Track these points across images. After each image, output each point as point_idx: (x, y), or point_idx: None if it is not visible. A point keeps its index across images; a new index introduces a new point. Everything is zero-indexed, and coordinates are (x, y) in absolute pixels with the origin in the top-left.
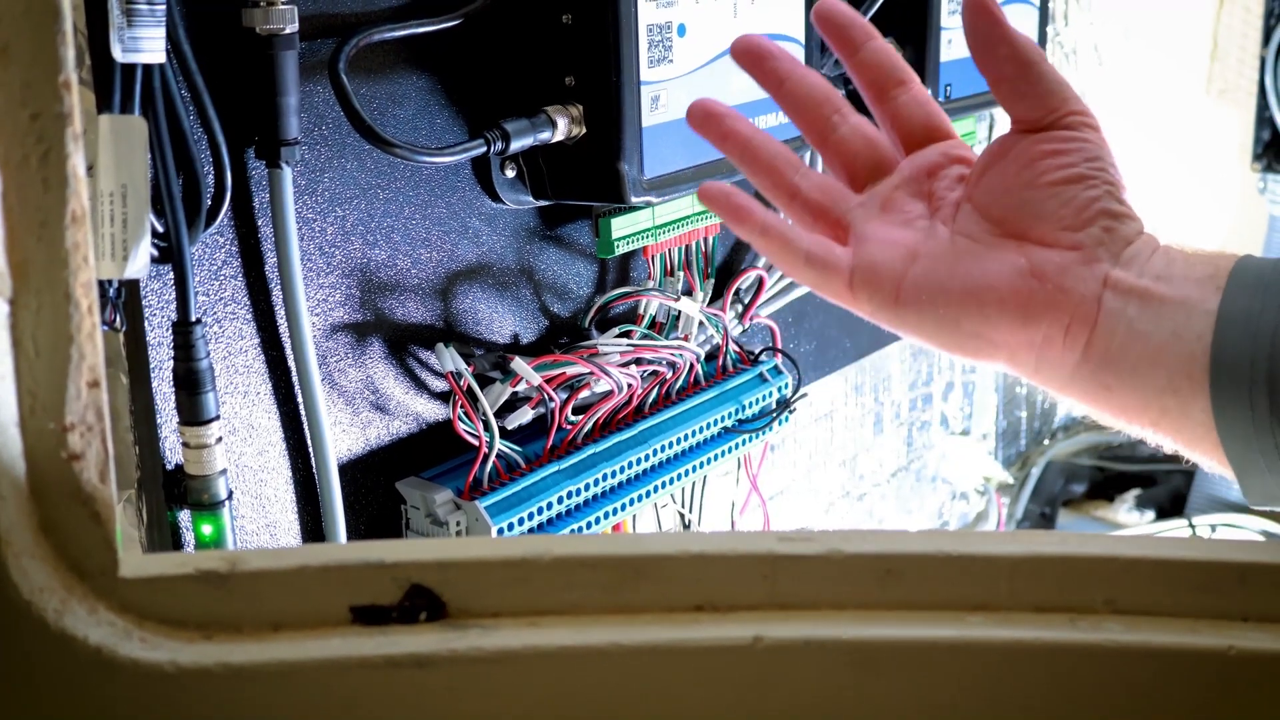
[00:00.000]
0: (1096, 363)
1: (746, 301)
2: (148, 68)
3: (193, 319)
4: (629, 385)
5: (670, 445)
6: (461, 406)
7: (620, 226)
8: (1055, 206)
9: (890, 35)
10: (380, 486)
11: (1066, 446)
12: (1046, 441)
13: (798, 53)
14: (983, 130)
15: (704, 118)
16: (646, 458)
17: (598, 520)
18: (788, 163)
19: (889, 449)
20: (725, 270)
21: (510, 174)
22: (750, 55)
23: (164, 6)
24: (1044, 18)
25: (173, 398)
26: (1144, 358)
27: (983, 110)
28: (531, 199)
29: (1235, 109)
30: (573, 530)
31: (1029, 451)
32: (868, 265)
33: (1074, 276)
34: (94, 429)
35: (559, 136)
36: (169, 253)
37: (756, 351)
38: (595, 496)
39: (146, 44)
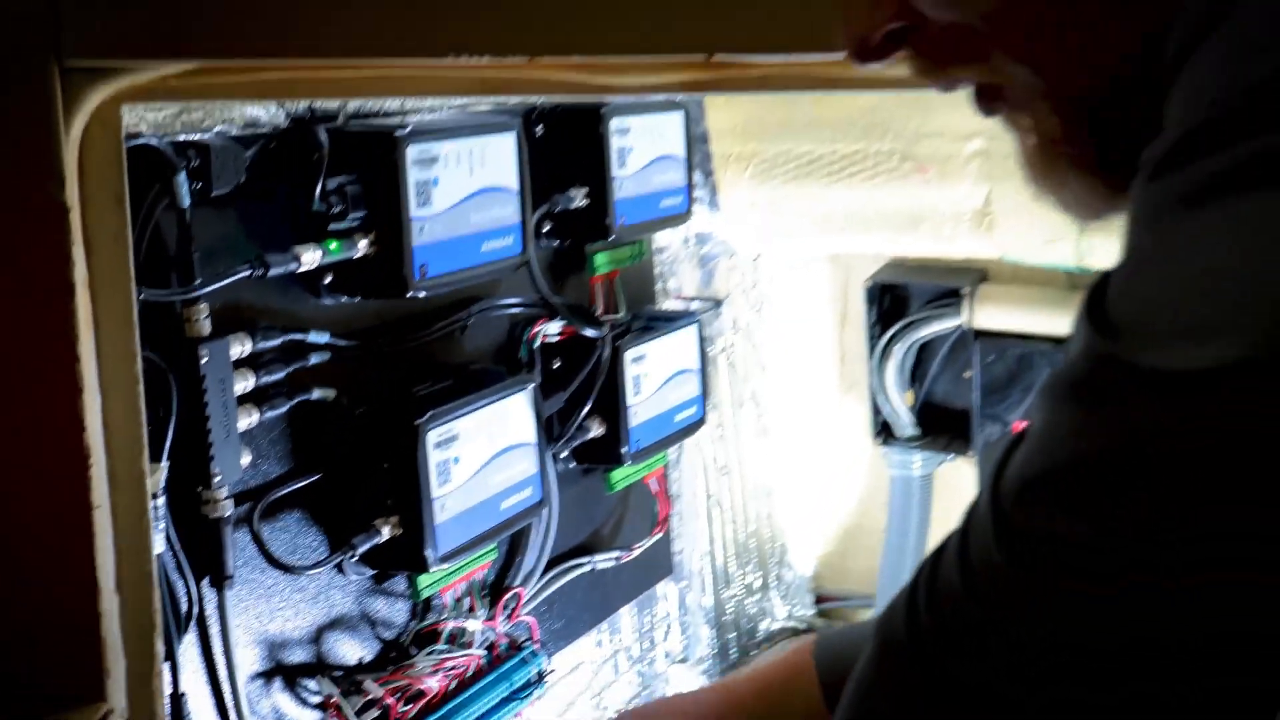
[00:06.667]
0: None
1: (511, 608)
2: None
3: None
4: (439, 685)
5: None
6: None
7: (426, 580)
8: None
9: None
10: None
11: (769, 656)
12: (753, 653)
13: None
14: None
15: None
16: None
17: None
18: None
19: (626, 683)
20: (497, 587)
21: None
22: None
23: (163, 508)
24: (702, 346)
25: None
26: None
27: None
28: None
29: (860, 400)
30: None
31: (738, 662)
32: None
33: None
34: None
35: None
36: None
37: (522, 640)
38: None
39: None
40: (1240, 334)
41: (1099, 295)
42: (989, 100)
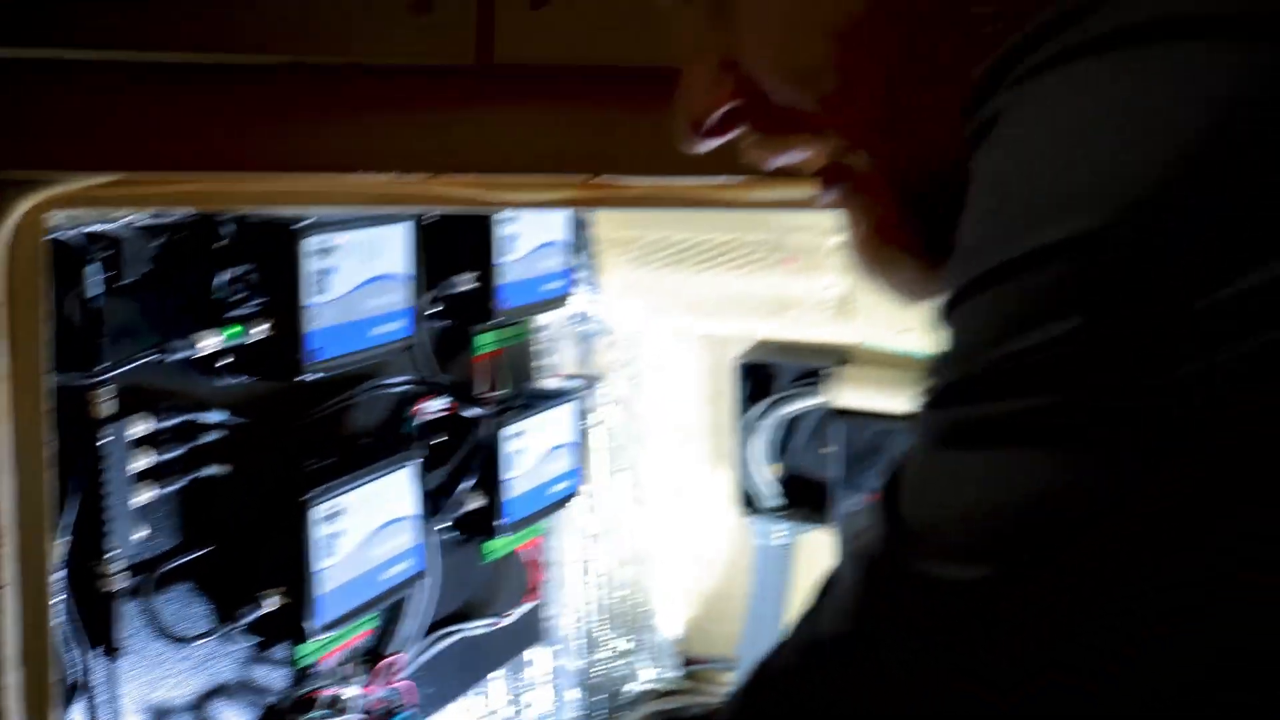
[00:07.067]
0: None
1: (389, 674)
2: None
3: None
4: None
5: None
6: None
7: (307, 648)
8: None
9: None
10: None
11: (632, 715)
12: (619, 715)
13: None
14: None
15: None
16: None
17: None
18: None
19: None
20: (376, 653)
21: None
22: None
23: (60, 581)
24: (579, 422)
25: None
26: None
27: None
28: None
29: (729, 471)
30: None
31: None
32: None
33: None
34: None
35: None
36: None
37: (397, 705)
38: None
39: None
40: (991, 560)
41: (895, 486)
42: (830, 181)
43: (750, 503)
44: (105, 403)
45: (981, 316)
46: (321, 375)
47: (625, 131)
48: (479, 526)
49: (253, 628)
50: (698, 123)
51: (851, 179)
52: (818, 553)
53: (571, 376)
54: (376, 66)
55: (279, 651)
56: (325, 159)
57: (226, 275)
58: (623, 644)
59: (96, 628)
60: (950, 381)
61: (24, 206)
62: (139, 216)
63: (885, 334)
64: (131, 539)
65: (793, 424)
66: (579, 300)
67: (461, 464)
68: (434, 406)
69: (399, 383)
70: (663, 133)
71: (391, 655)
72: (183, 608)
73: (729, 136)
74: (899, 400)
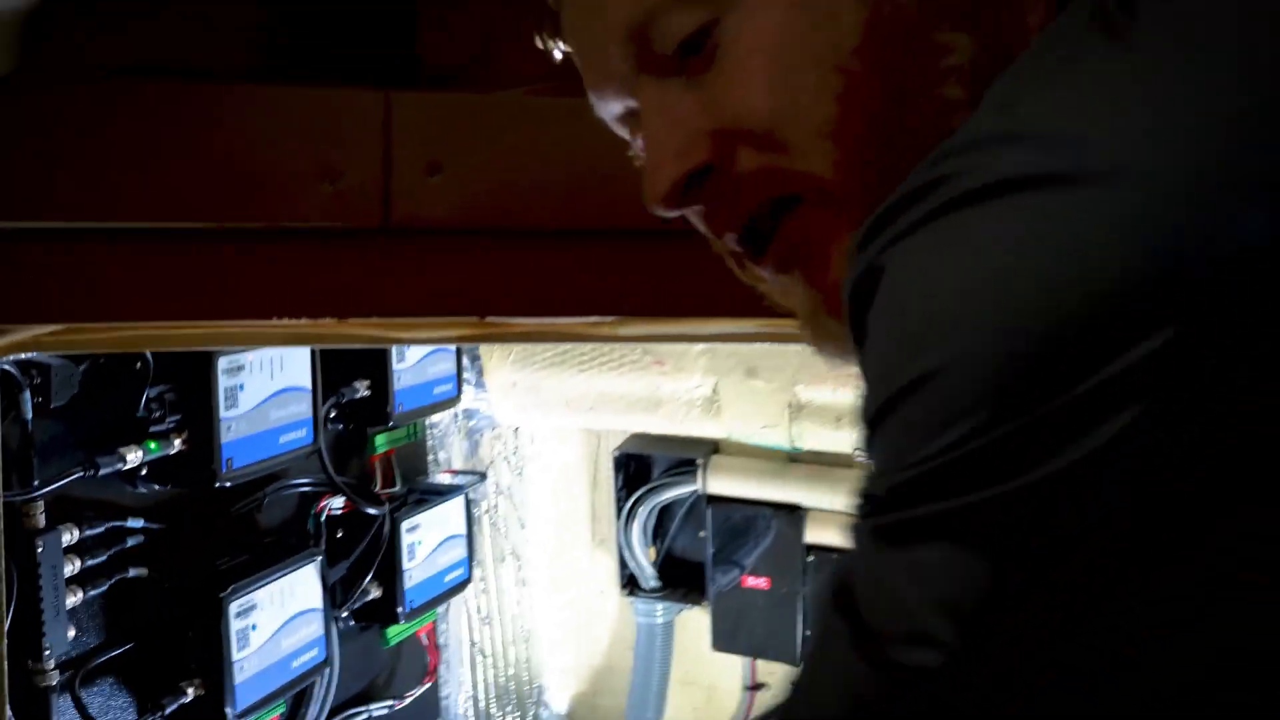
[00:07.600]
0: None
1: None
2: None
3: None
4: None
5: None
6: None
7: None
8: None
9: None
10: None
11: None
12: None
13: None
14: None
15: None
16: None
17: None
18: None
19: None
20: None
21: None
22: None
23: None
24: (469, 513)
25: None
26: None
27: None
28: None
29: (609, 555)
30: None
31: None
32: None
33: None
34: None
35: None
36: None
37: None
38: None
39: None
40: (931, 648)
41: (848, 590)
42: (779, 257)
43: (631, 583)
44: (37, 516)
45: (891, 439)
46: (234, 482)
47: (509, 278)
48: (379, 614)
49: (174, 717)
50: (675, 186)
51: (801, 246)
52: (696, 628)
53: (460, 472)
54: (290, 229)
55: None
56: (246, 308)
57: (148, 395)
58: (514, 719)
59: None
60: (881, 492)
61: None
62: None
63: (750, 429)
64: (64, 639)
65: (668, 510)
66: (466, 398)
67: (362, 557)
68: (335, 504)
69: (302, 484)
70: (541, 278)
71: None
72: (108, 700)
73: (690, 209)
74: (767, 488)
